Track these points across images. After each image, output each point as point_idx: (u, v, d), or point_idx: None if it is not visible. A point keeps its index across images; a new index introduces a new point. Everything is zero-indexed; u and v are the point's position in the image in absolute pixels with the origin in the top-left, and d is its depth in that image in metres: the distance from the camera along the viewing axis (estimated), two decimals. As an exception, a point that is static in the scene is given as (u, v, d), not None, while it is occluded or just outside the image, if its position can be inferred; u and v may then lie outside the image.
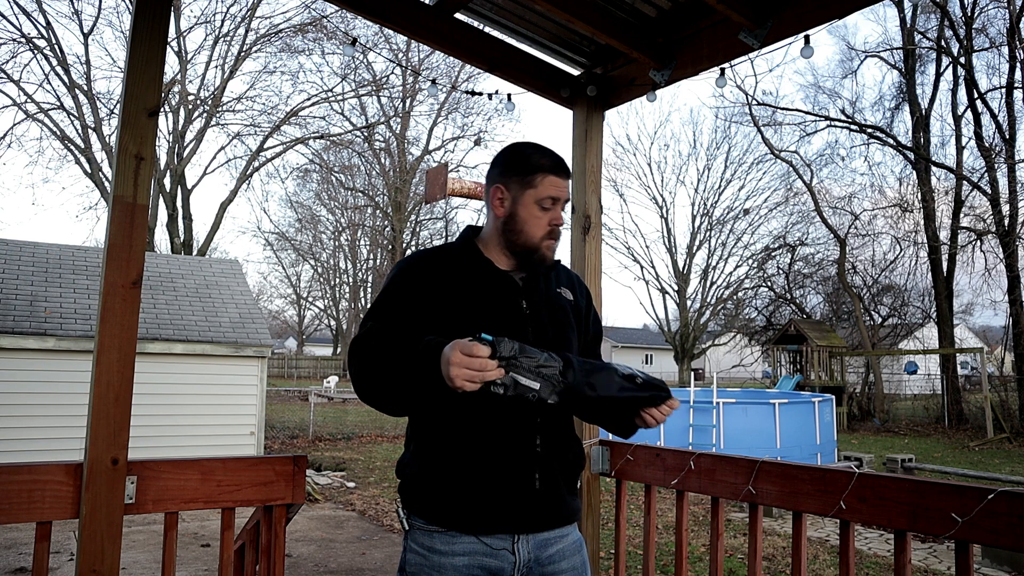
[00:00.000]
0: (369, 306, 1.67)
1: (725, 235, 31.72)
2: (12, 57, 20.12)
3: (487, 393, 1.38)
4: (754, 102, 21.56)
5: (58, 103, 21.13)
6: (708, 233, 31.99)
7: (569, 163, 3.12)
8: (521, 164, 1.66)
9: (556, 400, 1.45)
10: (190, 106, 22.93)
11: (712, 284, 32.31)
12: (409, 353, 1.43)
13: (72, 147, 21.46)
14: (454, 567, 1.55)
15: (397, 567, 1.68)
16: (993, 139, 19.40)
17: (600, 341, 1.89)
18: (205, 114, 23.17)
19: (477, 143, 28.41)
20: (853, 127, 21.67)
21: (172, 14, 8.81)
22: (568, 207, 1.73)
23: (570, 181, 1.70)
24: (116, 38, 31.41)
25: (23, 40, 19.83)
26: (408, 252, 31.69)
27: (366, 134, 28.28)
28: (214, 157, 28.78)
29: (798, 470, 2.05)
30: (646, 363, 51.87)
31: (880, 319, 24.32)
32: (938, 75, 20.76)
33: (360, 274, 42.54)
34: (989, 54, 24.36)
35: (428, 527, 1.59)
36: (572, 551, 1.68)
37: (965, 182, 19.43)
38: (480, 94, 3.65)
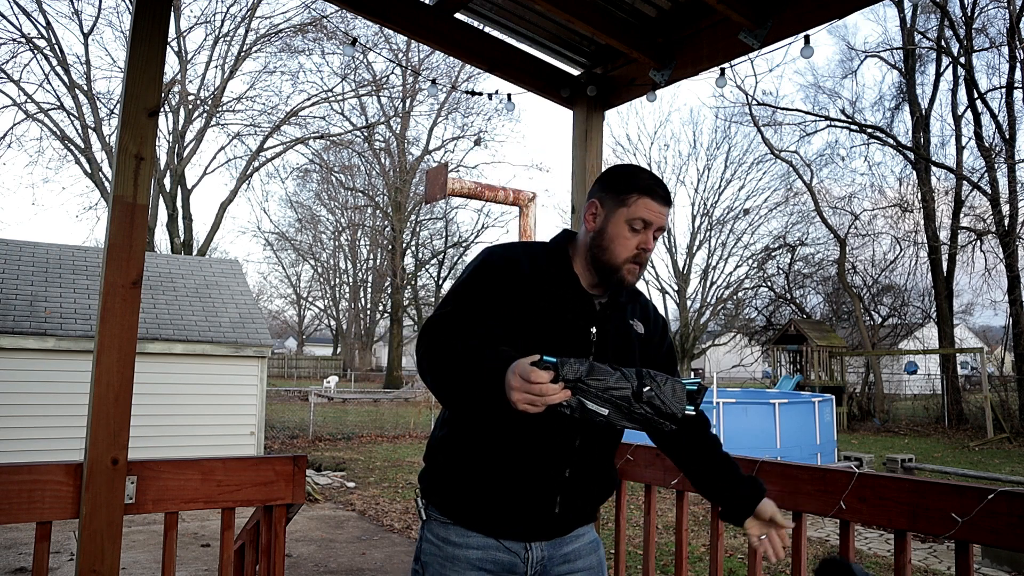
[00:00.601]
0: (449, 288, 1.62)
1: (725, 235, 31.68)
2: (12, 57, 20.13)
3: (552, 412, 1.32)
4: (754, 102, 21.57)
5: (58, 103, 21.14)
6: (708, 233, 31.96)
7: (569, 163, 3.12)
8: (619, 182, 1.63)
9: (627, 426, 1.37)
10: (190, 106, 22.93)
11: (712, 284, 32.28)
12: (477, 359, 1.39)
13: (72, 147, 21.47)
14: (467, 559, 1.57)
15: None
16: (993, 139, 19.41)
17: (672, 368, 1.81)
18: (205, 114, 23.16)
19: (477, 143, 28.37)
20: (853, 127, 21.67)
21: (172, 14, 8.81)
22: (657, 233, 1.63)
23: (670, 209, 1.64)
24: (116, 38, 31.43)
25: (23, 40, 19.83)
26: (409, 251, 31.73)
27: (366, 134, 28.26)
28: (214, 157, 28.77)
29: (798, 470, 2.05)
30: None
31: (880, 319, 24.31)
32: (938, 75, 20.78)
33: (360, 274, 42.57)
34: (989, 54, 24.38)
35: (444, 519, 1.61)
36: (588, 550, 1.68)
37: (965, 182, 19.43)
38: (480, 94, 3.65)
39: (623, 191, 1.61)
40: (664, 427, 1.38)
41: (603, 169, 3.16)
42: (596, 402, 1.32)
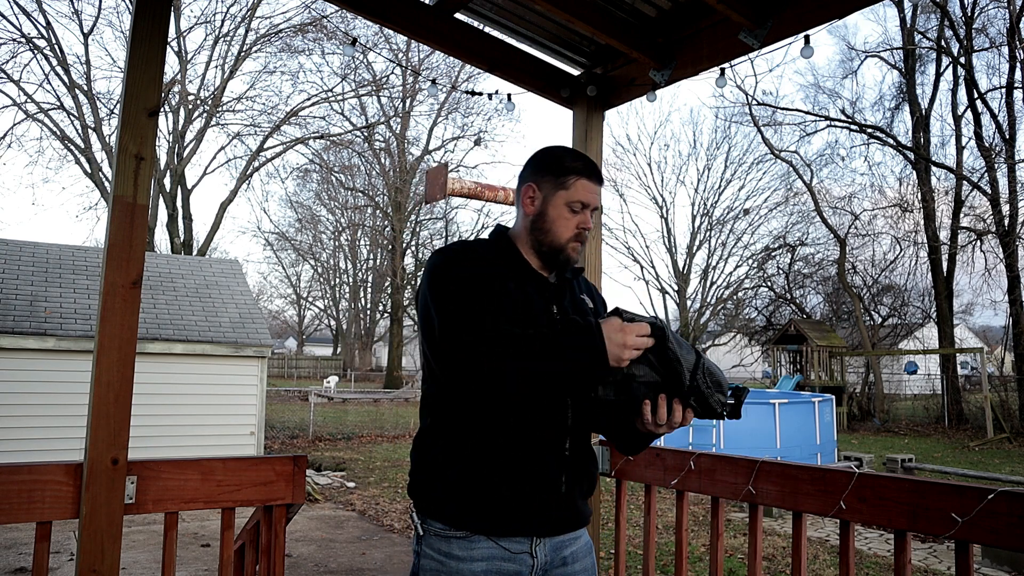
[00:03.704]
0: (436, 297, 1.50)
1: (725, 235, 31.68)
2: (12, 57, 20.13)
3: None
4: (754, 102, 21.56)
5: (58, 103, 21.14)
6: (708, 233, 31.96)
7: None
8: (555, 165, 1.66)
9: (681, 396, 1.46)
10: (190, 106, 22.92)
11: (712, 284, 32.28)
12: (562, 342, 1.43)
13: (72, 147, 21.46)
14: (472, 572, 1.53)
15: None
16: (993, 139, 19.41)
17: None
18: (205, 114, 23.16)
19: (477, 143, 28.33)
20: (853, 127, 21.67)
21: (172, 14, 8.81)
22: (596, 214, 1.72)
23: (601, 189, 1.70)
24: (116, 38, 31.43)
25: (23, 40, 19.82)
26: (409, 251, 31.70)
27: (366, 134, 28.25)
28: (214, 157, 28.78)
29: (798, 470, 2.05)
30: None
31: (880, 319, 24.31)
32: (938, 75, 20.78)
33: (360, 274, 42.56)
34: (989, 54, 24.37)
35: (446, 532, 1.56)
36: (584, 552, 1.68)
37: (965, 182, 19.43)
38: (480, 94, 3.66)
39: (562, 173, 1.65)
40: (715, 406, 1.46)
41: (603, 169, 3.16)
42: (671, 356, 1.41)
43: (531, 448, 1.56)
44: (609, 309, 1.60)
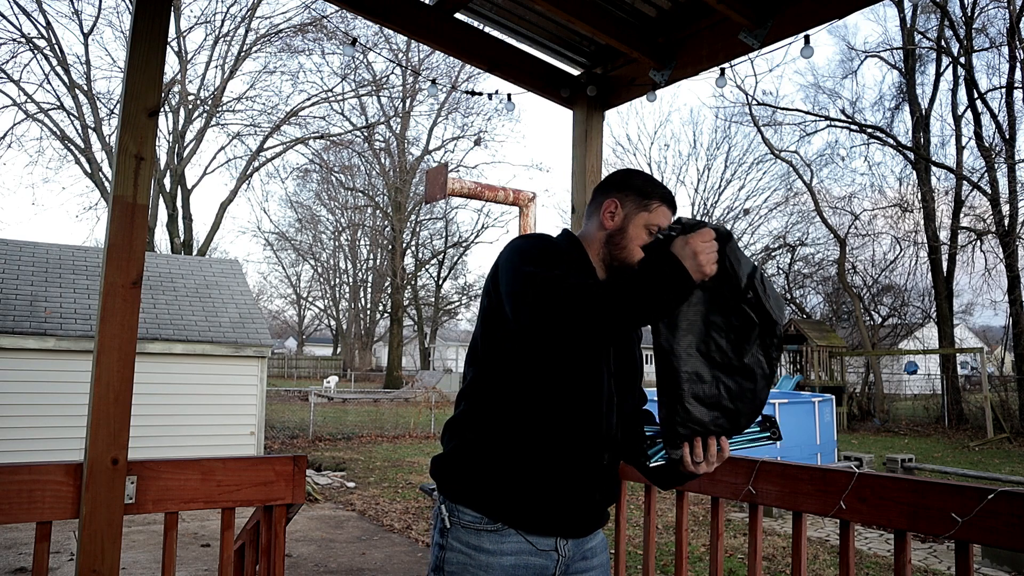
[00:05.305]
0: (520, 258, 1.50)
1: (725, 235, 31.68)
2: (12, 57, 20.15)
3: (581, 399, 1.55)
4: (754, 102, 21.56)
5: (58, 103, 21.14)
6: (708, 233, 31.94)
7: (569, 163, 3.13)
8: (641, 187, 1.72)
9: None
10: (190, 106, 22.93)
11: (712, 284, 32.25)
12: (642, 274, 1.39)
13: (72, 147, 21.47)
14: (501, 567, 1.54)
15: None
16: (993, 139, 19.42)
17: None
18: (205, 114, 23.16)
19: (477, 143, 28.33)
20: (853, 127, 21.68)
21: (172, 14, 8.81)
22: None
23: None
24: (116, 38, 31.46)
25: (23, 40, 19.83)
26: (409, 251, 31.69)
27: (366, 134, 28.24)
28: (214, 157, 28.80)
29: (798, 470, 2.05)
30: (646, 363, 51.81)
31: (880, 319, 24.32)
32: (938, 75, 20.79)
33: (360, 274, 42.57)
34: (989, 54, 24.40)
35: (477, 524, 1.57)
36: (601, 548, 1.72)
37: (965, 182, 19.44)
38: (480, 94, 3.66)
39: (647, 196, 1.70)
40: (771, 312, 1.47)
41: (603, 169, 3.16)
42: (728, 265, 1.43)
43: (573, 458, 1.58)
44: (672, 221, 1.65)
